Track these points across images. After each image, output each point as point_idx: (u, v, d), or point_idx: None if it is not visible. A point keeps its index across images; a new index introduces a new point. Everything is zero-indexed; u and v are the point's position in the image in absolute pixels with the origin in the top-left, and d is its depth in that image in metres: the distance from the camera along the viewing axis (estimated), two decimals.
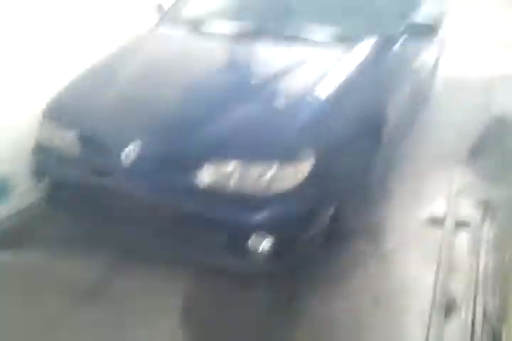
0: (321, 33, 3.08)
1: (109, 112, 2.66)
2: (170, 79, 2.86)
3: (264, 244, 2.32)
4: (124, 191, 2.46)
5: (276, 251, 2.34)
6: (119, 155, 2.42)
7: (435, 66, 4.79)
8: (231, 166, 2.29)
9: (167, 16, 3.59)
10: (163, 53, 3.20)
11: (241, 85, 2.80)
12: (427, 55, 4.10)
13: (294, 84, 2.73)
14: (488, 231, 2.96)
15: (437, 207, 3.29)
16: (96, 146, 2.55)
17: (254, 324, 2.41)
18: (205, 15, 3.50)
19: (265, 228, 2.31)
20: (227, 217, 2.32)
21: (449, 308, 2.38)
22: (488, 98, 4.52)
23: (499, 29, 6.30)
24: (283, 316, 2.44)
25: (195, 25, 3.36)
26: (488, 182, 3.57)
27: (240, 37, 3.20)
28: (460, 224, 3.00)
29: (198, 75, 2.89)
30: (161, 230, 2.48)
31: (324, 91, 2.62)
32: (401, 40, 3.24)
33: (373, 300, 2.52)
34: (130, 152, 2.41)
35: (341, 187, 2.61)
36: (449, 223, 2.94)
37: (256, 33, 3.18)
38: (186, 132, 2.45)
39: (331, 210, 2.58)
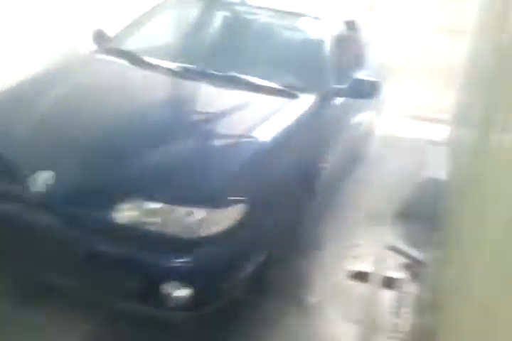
0: (264, 79, 3.06)
1: (25, 135, 2.44)
2: (100, 109, 2.70)
3: (182, 293, 2.12)
4: (30, 221, 2.21)
5: (194, 301, 2.14)
6: (26, 182, 2.20)
7: (372, 125, 4.91)
8: (154, 206, 2.13)
9: (107, 44, 3.45)
10: (97, 80, 3.05)
11: (176, 122, 2.69)
12: (365, 113, 4.20)
13: (231, 127, 2.66)
14: (412, 292, 2.92)
15: (364, 264, 3.24)
16: (3, 169, 2.32)
17: None
18: (149, 50, 3.41)
19: (184, 276, 2.12)
20: (142, 259, 2.12)
21: None
22: (420, 160, 4.64)
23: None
24: None
25: (136, 58, 3.23)
26: (414, 244, 3.59)
27: (182, 73, 3.10)
28: (385, 283, 2.95)
29: (132, 107, 2.75)
30: (69, 268, 2.22)
31: (261, 138, 2.55)
32: (342, 97, 3.28)
33: None
34: (40, 180, 2.20)
35: (271, 237, 2.50)
36: (374, 281, 2.88)
37: (200, 72, 3.11)
38: (108, 165, 2.30)
39: (259, 260, 2.44)
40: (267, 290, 2.74)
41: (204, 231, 2.11)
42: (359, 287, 2.99)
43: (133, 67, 3.16)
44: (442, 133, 5.95)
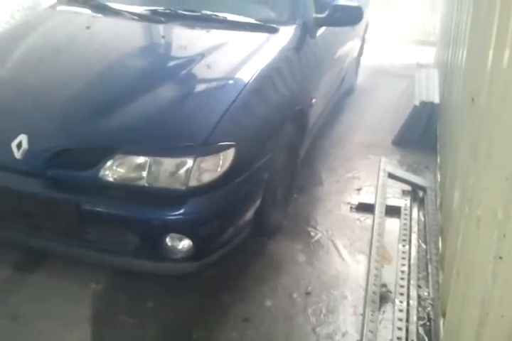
0: (239, 15, 2.88)
1: None
2: (69, 62, 2.54)
3: (181, 245, 2.09)
4: (17, 188, 2.12)
5: (196, 252, 2.10)
6: (5, 149, 2.09)
7: (359, 53, 4.77)
8: (139, 160, 2.03)
9: None
10: (63, 33, 2.85)
11: (152, 69, 2.53)
12: (350, 41, 4.05)
13: (212, 69, 2.50)
14: (417, 218, 2.93)
15: (365, 195, 3.24)
16: None
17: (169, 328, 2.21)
18: None
19: (181, 229, 2.06)
20: (137, 215, 2.04)
21: (382, 297, 2.28)
22: (411, 84, 4.55)
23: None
24: (202, 319, 2.24)
25: (99, 5, 3.02)
26: (413, 170, 3.58)
27: (151, 17, 2.90)
28: (389, 212, 2.94)
29: (102, 58, 2.58)
30: (62, 231, 2.16)
31: (245, 77, 2.40)
32: (324, 26, 3.13)
33: (304, 294, 2.39)
34: (16, 146, 2.07)
35: (267, 178, 2.41)
36: (378, 211, 2.87)
37: (169, 14, 2.90)
38: (85, 122, 2.15)
39: (256, 203, 2.38)
40: (271, 232, 2.72)
41: (194, 182, 2.01)
42: (363, 218, 3.00)
43: (97, 15, 2.97)
44: (430, 55, 5.83)
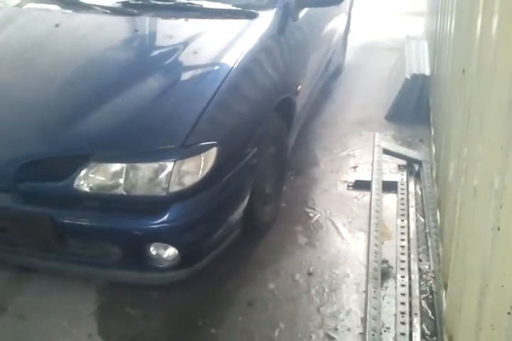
0: (217, 1, 2.75)
1: None
2: (39, 65, 2.40)
3: (167, 254, 2.00)
4: None
5: (182, 260, 2.01)
6: None
7: (346, 31, 4.71)
8: (115, 167, 1.91)
9: None
10: (30, 33, 2.71)
11: (126, 68, 2.37)
12: (335, 20, 3.98)
13: (190, 62, 2.40)
14: (414, 192, 2.92)
15: (362, 172, 3.23)
16: None
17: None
18: None
19: (165, 237, 1.96)
20: (117, 226, 1.93)
21: (384, 273, 2.28)
22: (401, 58, 4.49)
23: None
24: (207, 306, 2.24)
25: (72, 1, 2.89)
26: (408, 144, 3.56)
27: (123, 10, 2.76)
28: (386, 188, 2.93)
29: (75, 58, 2.43)
30: (40, 245, 2.07)
31: (223, 70, 2.25)
32: (306, 7, 3.01)
33: (307, 275, 2.39)
34: None
35: (254, 174, 2.29)
36: (375, 187, 2.86)
37: (142, 5, 2.76)
38: (58, 129, 2.01)
39: (245, 201, 2.26)
40: (263, 228, 2.66)
41: (175, 186, 1.89)
42: (361, 196, 2.99)
43: (67, 11, 2.84)
44: (420, 27, 5.77)
